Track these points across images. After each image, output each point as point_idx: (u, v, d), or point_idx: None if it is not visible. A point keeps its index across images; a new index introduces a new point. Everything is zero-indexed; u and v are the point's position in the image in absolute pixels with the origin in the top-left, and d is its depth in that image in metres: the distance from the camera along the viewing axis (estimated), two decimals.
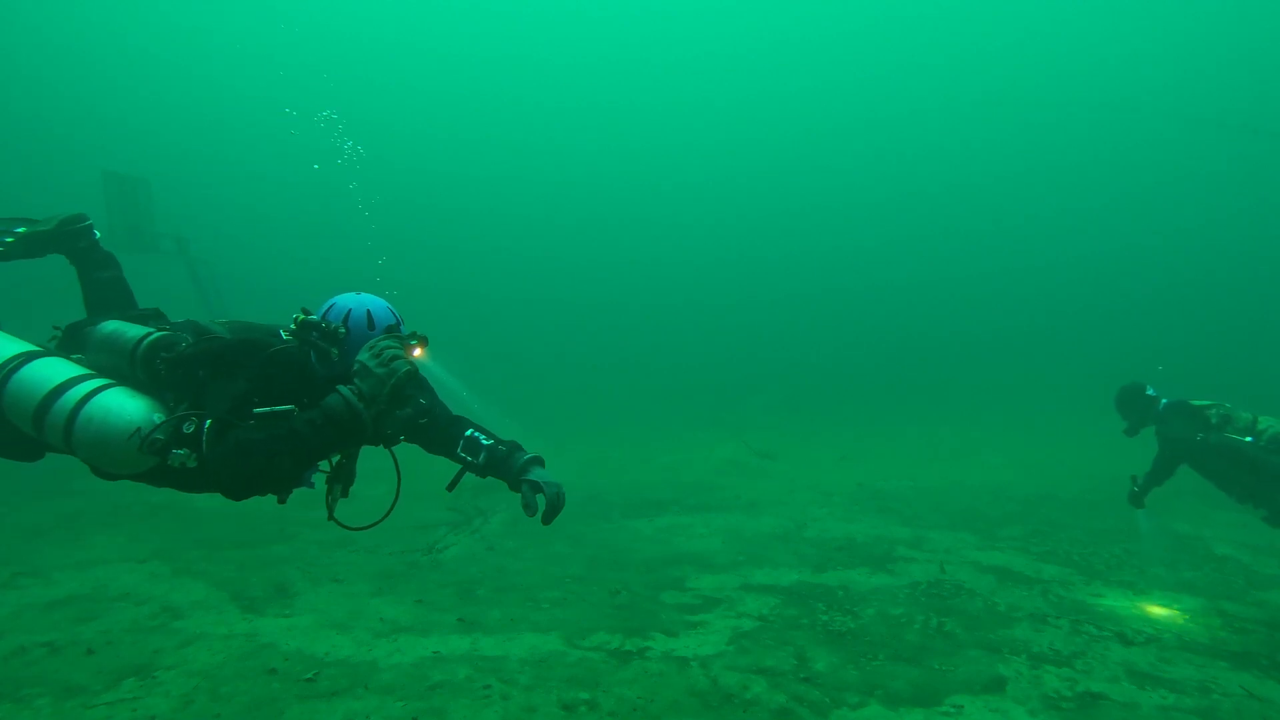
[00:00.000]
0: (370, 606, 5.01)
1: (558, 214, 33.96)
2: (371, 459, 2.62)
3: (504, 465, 2.55)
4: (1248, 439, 5.05)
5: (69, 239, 2.91)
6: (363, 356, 2.09)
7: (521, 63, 33.45)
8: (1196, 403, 5.39)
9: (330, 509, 2.41)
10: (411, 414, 2.47)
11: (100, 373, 2.35)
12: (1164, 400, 5.58)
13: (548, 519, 2.39)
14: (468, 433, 2.64)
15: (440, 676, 3.92)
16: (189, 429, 2.01)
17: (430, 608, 5.00)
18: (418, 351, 2.26)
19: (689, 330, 26.93)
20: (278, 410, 2.03)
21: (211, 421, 2.00)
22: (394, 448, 2.50)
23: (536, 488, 2.43)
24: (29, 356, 2.34)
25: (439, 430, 2.66)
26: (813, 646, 4.36)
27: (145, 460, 2.12)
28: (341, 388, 2.04)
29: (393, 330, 2.35)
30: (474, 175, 33.72)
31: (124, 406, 2.18)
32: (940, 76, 31.77)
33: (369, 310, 2.35)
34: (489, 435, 2.65)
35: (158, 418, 2.17)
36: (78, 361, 2.41)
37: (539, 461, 2.56)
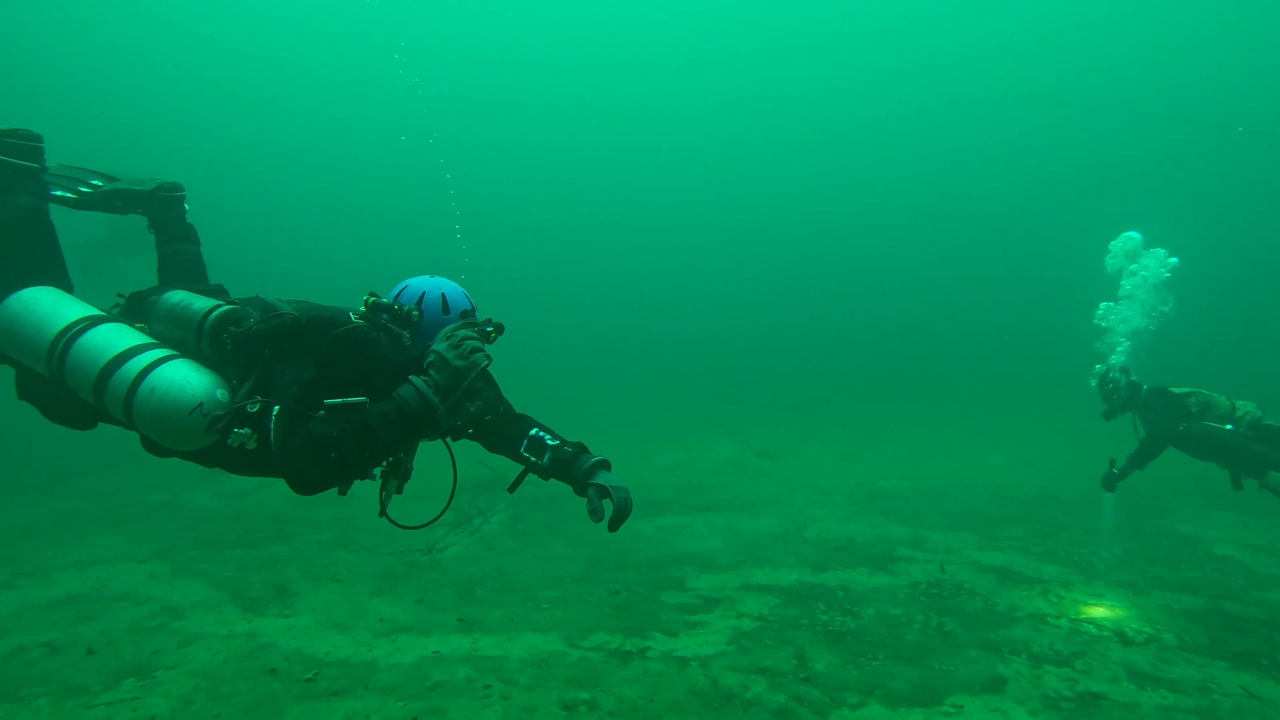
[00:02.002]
0: (370, 606, 5.01)
1: (557, 215, 33.97)
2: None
3: (569, 468, 2.39)
4: (1228, 426, 5.13)
5: (162, 204, 2.85)
6: (439, 346, 1.97)
7: (520, 63, 33.47)
8: (1176, 390, 5.44)
9: (383, 505, 2.32)
10: (482, 408, 2.35)
11: (163, 343, 2.28)
12: (1145, 386, 5.62)
13: (614, 525, 2.25)
14: (532, 432, 2.48)
15: (440, 676, 3.92)
16: (253, 409, 1.96)
17: (430, 608, 5.00)
18: (494, 339, 2.18)
19: (689, 330, 26.91)
20: (350, 402, 1.94)
21: (280, 410, 1.93)
22: (451, 443, 2.40)
23: (603, 492, 2.27)
24: (93, 321, 2.28)
25: (503, 428, 2.51)
26: (813, 646, 4.36)
27: (204, 437, 2.07)
28: (415, 379, 1.93)
29: (468, 316, 2.23)
30: (474, 176, 33.74)
31: (188, 379, 2.11)
32: (939, 79, 31.77)
33: (444, 294, 2.22)
34: (554, 435, 2.49)
35: (221, 394, 2.11)
36: (141, 331, 2.34)
37: (605, 465, 2.41)
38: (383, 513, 2.30)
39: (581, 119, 35.04)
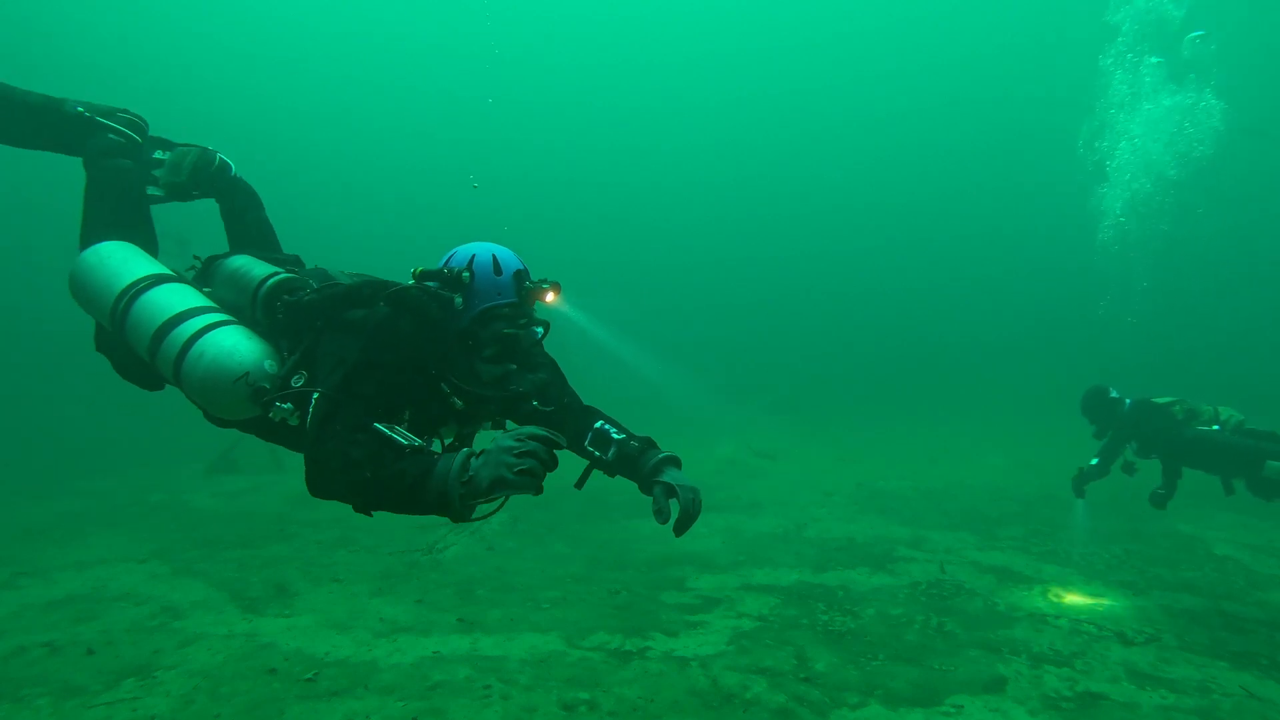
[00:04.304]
0: (370, 606, 5.01)
1: (555, 215, 33.98)
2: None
3: (634, 464, 2.22)
4: (1214, 428, 5.14)
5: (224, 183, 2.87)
6: (505, 442, 1.65)
7: (520, 63, 33.46)
8: (1159, 400, 5.44)
9: None
10: (545, 379, 2.22)
11: (222, 309, 2.25)
12: (1128, 400, 5.64)
13: (680, 528, 2.07)
14: (597, 425, 2.32)
15: (440, 676, 3.92)
16: (298, 383, 1.90)
17: (430, 608, 5.00)
18: (550, 297, 2.09)
19: (689, 330, 26.93)
20: (393, 438, 1.74)
21: (319, 397, 1.81)
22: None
23: (670, 491, 2.09)
24: (157, 280, 2.26)
25: (568, 421, 2.34)
26: (813, 646, 4.36)
27: (248, 408, 2.03)
28: (455, 465, 1.65)
29: (521, 276, 2.11)
30: (473, 175, 33.77)
31: (237, 347, 2.06)
32: (938, 79, 31.76)
33: (494, 255, 2.10)
34: (620, 429, 2.33)
35: (269, 365, 2.06)
36: (205, 295, 2.32)
37: (674, 461, 2.23)
38: None
39: (579, 119, 35.03)
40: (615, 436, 2.29)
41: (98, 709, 3.55)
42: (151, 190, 2.79)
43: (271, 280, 2.23)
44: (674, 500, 2.09)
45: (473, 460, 1.65)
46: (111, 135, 2.65)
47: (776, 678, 3.93)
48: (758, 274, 31.68)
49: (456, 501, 1.63)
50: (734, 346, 24.78)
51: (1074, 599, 5.25)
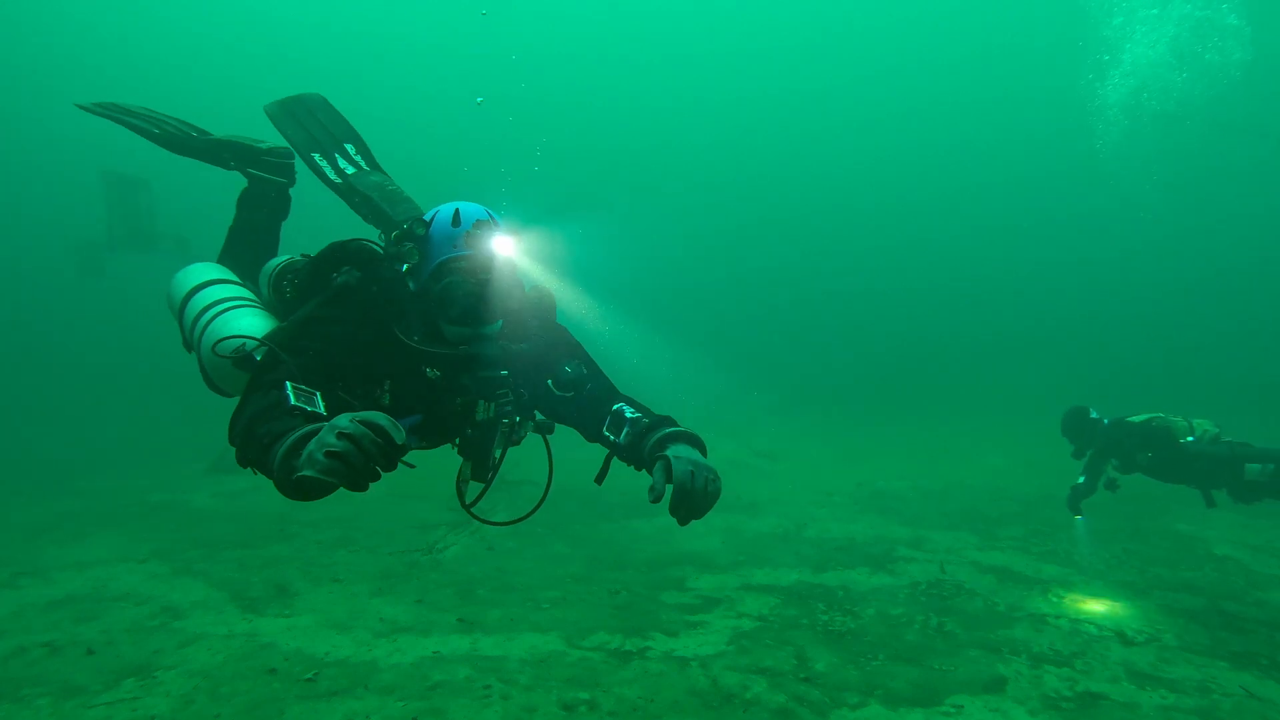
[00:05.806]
0: (370, 606, 5.01)
1: (556, 215, 33.94)
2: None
3: (640, 441, 1.95)
4: (1189, 438, 5.21)
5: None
6: (339, 420, 1.33)
7: (519, 65, 33.48)
8: (1135, 419, 5.49)
9: (461, 494, 2.13)
10: (527, 351, 2.08)
11: (254, 301, 2.34)
12: (1106, 421, 5.70)
13: (679, 511, 1.69)
14: (615, 407, 2.07)
15: (440, 676, 3.92)
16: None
17: (430, 608, 5.00)
18: (497, 238, 1.95)
19: (689, 329, 26.95)
20: (286, 395, 1.57)
21: (266, 348, 1.76)
22: (549, 435, 2.19)
23: (667, 469, 1.72)
24: (214, 281, 2.39)
25: (592, 409, 2.10)
26: (813, 646, 4.36)
27: (239, 375, 1.99)
28: (298, 434, 1.39)
29: (483, 225, 1.96)
30: (473, 173, 33.77)
31: (239, 321, 2.13)
32: (938, 79, 31.75)
33: (458, 209, 1.97)
34: (638, 408, 2.08)
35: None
36: (252, 292, 2.43)
37: (686, 438, 1.91)
38: (462, 503, 2.20)
39: (582, 118, 35.03)
40: (629, 415, 2.03)
41: (98, 709, 3.55)
42: (368, 185, 2.77)
43: (282, 263, 2.35)
44: (673, 483, 1.72)
45: (316, 440, 1.32)
46: (259, 187, 2.82)
47: (776, 678, 3.94)
48: (756, 275, 31.69)
49: (275, 469, 1.36)
50: (733, 347, 24.79)
51: (1074, 599, 5.25)
